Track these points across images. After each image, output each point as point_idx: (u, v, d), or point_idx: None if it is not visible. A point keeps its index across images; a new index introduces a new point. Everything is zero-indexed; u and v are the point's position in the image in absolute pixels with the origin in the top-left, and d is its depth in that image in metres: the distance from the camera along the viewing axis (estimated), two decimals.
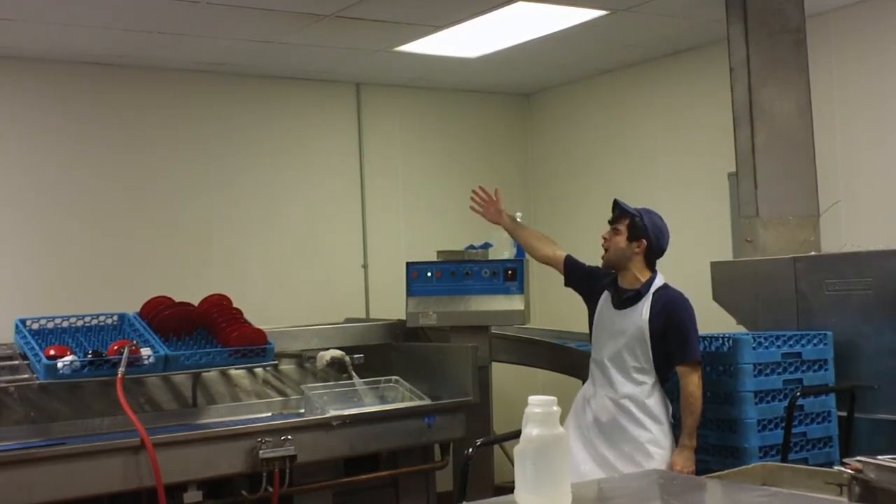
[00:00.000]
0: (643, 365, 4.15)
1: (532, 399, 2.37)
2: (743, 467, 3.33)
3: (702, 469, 4.20)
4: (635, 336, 4.16)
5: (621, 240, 4.25)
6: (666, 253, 6.61)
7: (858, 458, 2.31)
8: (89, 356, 4.53)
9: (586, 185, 7.32)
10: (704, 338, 4.51)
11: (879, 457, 2.30)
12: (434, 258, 5.78)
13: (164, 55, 6.10)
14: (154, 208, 6.37)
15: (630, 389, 4.16)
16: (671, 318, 4.13)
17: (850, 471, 2.30)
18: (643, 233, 4.22)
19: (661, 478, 3.08)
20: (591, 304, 4.41)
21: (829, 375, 4.55)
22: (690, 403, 4.07)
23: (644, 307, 4.16)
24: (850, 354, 4.57)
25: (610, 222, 4.33)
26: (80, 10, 5.14)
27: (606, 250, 4.31)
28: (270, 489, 4.46)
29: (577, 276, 4.57)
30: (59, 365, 4.42)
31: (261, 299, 6.24)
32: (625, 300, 4.24)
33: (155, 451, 4.18)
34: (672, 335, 4.12)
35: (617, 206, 4.34)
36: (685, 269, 6.24)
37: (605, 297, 4.33)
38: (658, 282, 4.23)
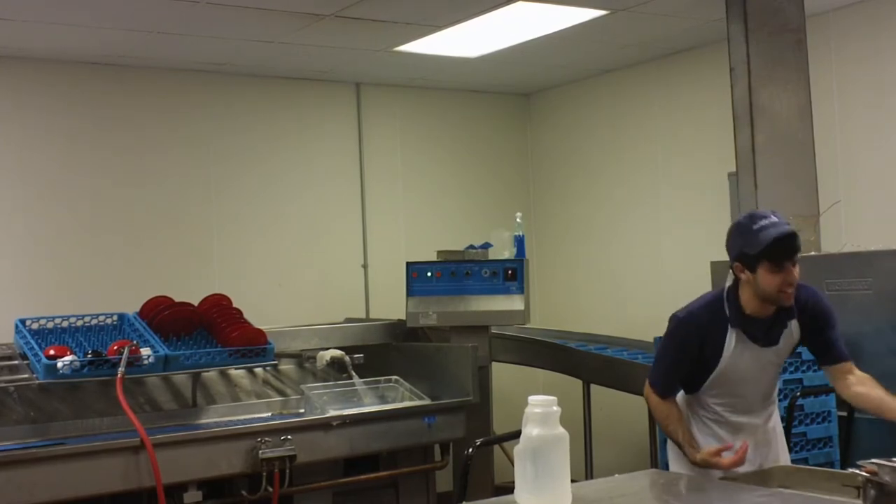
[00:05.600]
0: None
1: (532, 399, 2.38)
2: (759, 469, 3.31)
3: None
4: (782, 360, 3.52)
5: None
6: (666, 253, 6.67)
7: (873, 460, 2.30)
8: (89, 356, 4.53)
9: (586, 184, 7.32)
10: None
11: (893, 459, 2.30)
12: (434, 258, 5.78)
13: (164, 55, 6.10)
14: (154, 208, 6.37)
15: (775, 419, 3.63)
16: (818, 317, 3.46)
17: (864, 473, 2.29)
18: None
19: (661, 478, 3.08)
20: (706, 365, 3.43)
21: None
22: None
23: (795, 328, 3.42)
24: (851, 354, 4.54)
25: (789, 257, 3.26)
26: (80, 10, 5.14)
27: (790, 297, 3.33)
28: (270, 489, 4.46)
29: (702, 364, 3.46)
30: (59, 365, 4.43)
31: (261, 299, 6.23)
32: (769, 330, 3.40)
33: (155, 452, 4.18)
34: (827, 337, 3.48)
35: (796, 237, 3.31)
36: (685, 268, 6.27)
37: (737, 345, 3.37)
38: None
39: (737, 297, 3.36)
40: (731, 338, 3.36)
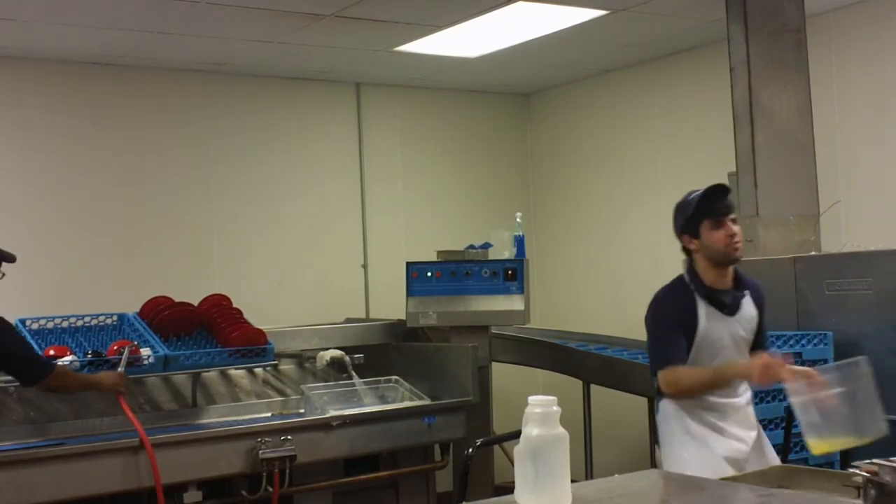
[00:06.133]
0: None
1: (532, 399, 2.37)
2: (759, 469, 3.32)
3: None
4: (752, 333, 3.64)
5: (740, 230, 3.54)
6: (666, 253, 6.65)
7: (873, 460, 2.30)
8: (89, 356, 4.54)
9: (586, 184, 7.32)
10: None
11: (893, 458, 2.29)
12: (434, 258, 5.78)
13: (164, 55, 6.10)
14: (154, 208, 6.37)
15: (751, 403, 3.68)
16: (762, 302, 3.67)
17: (864, 473, 2.29)
18: None
19: (661, 478, 3.08)
20: (690, 336, 3.55)
21: None
22: None
23: (749, 301, 3.61)
24: (851, 354, 4.50)
25: (725, 212, 3.49)
26: (80, 10, 5.14)
27: (738, 247, 3.51)
28: (270, 489, 4.46)
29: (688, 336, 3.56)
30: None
31: (261, 299, 6.23)
32: (735, 299, 3.58)
33: (154, 452, 4.18)
34: (764, 323, 3.69)
35: (727, 191, 3.57)
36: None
37: (707, 313, 3.54)
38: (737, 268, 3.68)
39: (696, 273, 3.56)
40: (702, 309, 3.52)
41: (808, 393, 3.23)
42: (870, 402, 3.24)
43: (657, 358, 3.57)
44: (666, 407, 3.61)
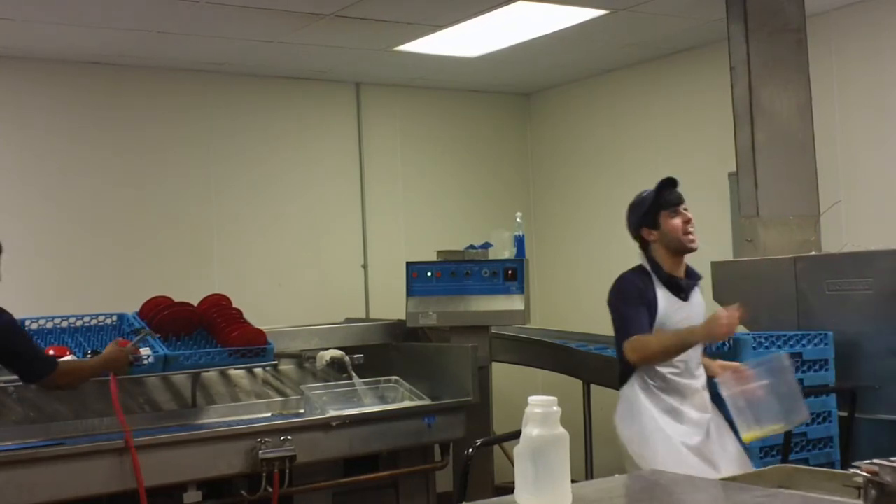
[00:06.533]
0: None
1: (532, 399, 2.37)
2: (760, 469, 3.32)
3: None
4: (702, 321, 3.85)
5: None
6: None
7: (874, 460, 2.29)
8: (88, 356, 4.53)
9: (586, 184, 7.32)
10: None
11: (893, 459, 2.29)
12: (434, 258, 5.78)
13: (164, 55, 6.10)
14: (154, 208, 6.37)
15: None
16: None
17: (865, 474, 2.28)
18: None
19: (661, 478, 3.07)
20: (650, 318, 3.83)
21: (830, 375, 4.55)
22: None
23: (698, 290, 3.95)
24: (851, 354, 4.56)
25: (679, 202, 3.86)
26: (80, 10, 5.14)
27: (694, 236, 3.84)
28: (270, 489, 4.45)
29: (650, 314, 3.84)
30: None
31: (261, 299, 6.23)
32: (689, 286, 3.90)
33: (154, 452, 4.18)
34: None
35: (677, 183, 3.91)
36: None
37: (665, 296, 3.83)
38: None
39: (655, 262, 3.87)
40: (661, 294, 3.82)
41: (736, 386, 3.58)
42: (792, 392, 3.62)
43: (624, 331, 3.82)
44: (627, 392, 3.88)
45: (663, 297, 3.82)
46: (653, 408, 3.79)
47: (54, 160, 6.09)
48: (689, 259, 3.99)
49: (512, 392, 6.13)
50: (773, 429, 3.62)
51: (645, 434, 3.76)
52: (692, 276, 3.95)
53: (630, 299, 3.85)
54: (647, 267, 3.88)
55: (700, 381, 3.85)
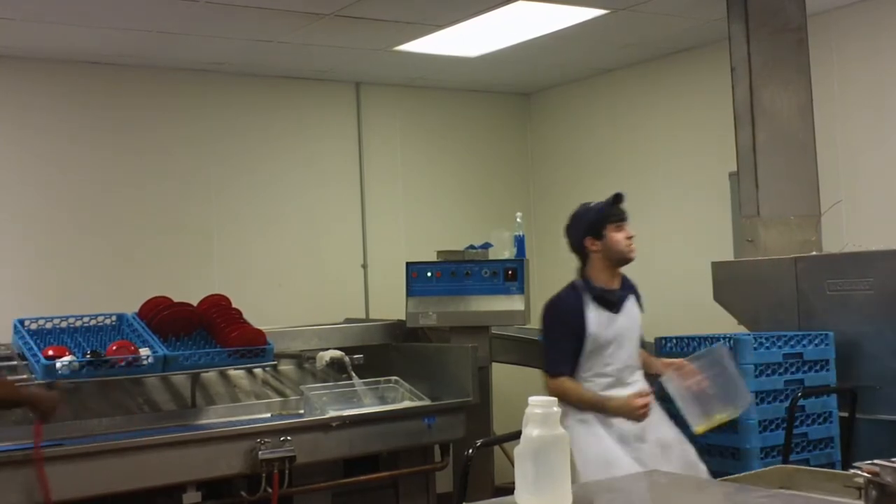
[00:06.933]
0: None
1: (532, 399, 2.37)
2: (760, 469, 3.32)
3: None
4: (638, 331, 4.06)
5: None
6: (667, 253, 6.66)
7: (874, 461, 2.29)
8: (88, 357, 4.53)
9: (586, 184, 7.30)
10: (705, 338, 4.51)
11: (894, 459, 2.28)
12: (434, 258, 5.78)
13: (164, 55, 6.10)
14: (153, 208, 6.37)
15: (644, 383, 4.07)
16: (640, 302, 4.15)
17: (865, 474, 2.28)
18: None
19: (661, 478, 3.07)
20: (582, 337, 3.95)
21: (831, 376, 4.54)
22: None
23: (633, 299, 4.08)
24: (852, 355, 4.56)
25: (624, 217, 4.01)
26: (80, 10, 5.13)
27: (634, 248, 4.00)
28: (270, 490, 4.45)
29: (578, 340, 3.95)
30: (58, 365, 4.42)
31: (261, 299, 6.23)
32: (619, 299, 4.01)
33: (154, 452, 4.18)
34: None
35: (623, 199, 4.06)
36: (685, 268, 6.26)
37: (596, 315, 3.93)
38: None
39: (587, 276, 4.03)
40: (590, 309, 3.94)
41: (680, 381, 3.81)
42: (734, 380, 3.82)
43: (548, 362, 4.00)
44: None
45: (594, 314, 3.93)
46: (585, 416, 3.87)
47: (54, 160, 6.09)
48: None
49: (512, 392, 6.12)
50: (720, 417, 3.79)
51: (576, 439, 3.68)
52: (626, 288, 4.07)
53: (554, 329, 4.01)
54: (579, 283, 4.03)
55: (634, 387, 3.94)
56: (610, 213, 4.00)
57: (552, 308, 4.04)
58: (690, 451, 3.95)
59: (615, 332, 3.94)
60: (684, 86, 6.58)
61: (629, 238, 3.98)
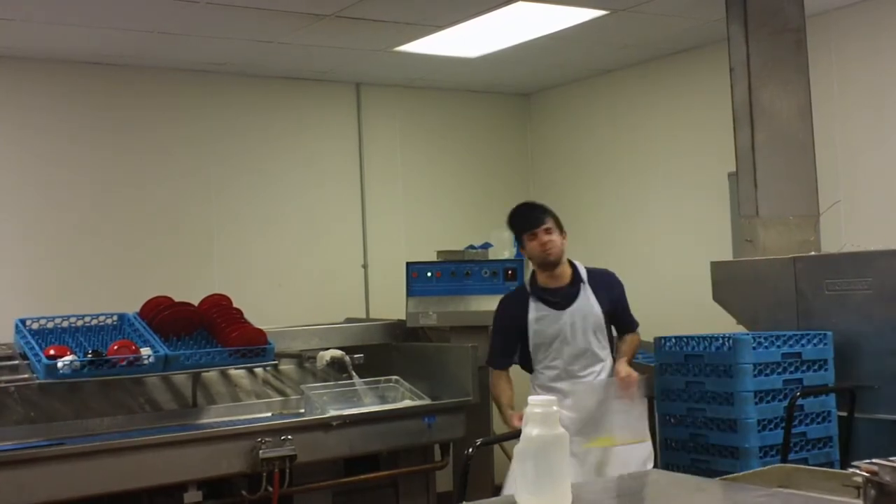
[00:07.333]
0: (604, 346, 4.31)
1: (532, 399, 2.38)
2: (759, 468, 3.32)
3: (702, 469, 4.21)
4: (596, 324, 4.24)
5: (557, 237, 4.21)
6: (666, 253, 6.66)
7: (873, 460, 2.30)
8: (89, 356, 4.53)
9: (586, 184, 7.32)
10: (704, 338, 4.52)
11: (893, 458, 2.29)
12: (434, 258, 5.78)
13: (164, 55, 6.10)
14: (154, 208, 6.37)
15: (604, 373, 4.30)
16: (613, 293, 4.33)
17: (864, 473, 2.28)
18: (560, 224, 4.31)
19: (661, 478, 3.08)
20: (523, 338, 4.30)
21: (829, 375, 4.55)
22: (638, 345, 4.42)
23: (588, 293, 4.24)
24: (850, 354, 4.57)
25: (534, 226, 4.20)
26: (79, 10, 5.14)
27: (551, 253, 4.19)
28: (270, 489, 4.46)
29: (515, 344, 4.36)
30: (59, 365, 4.42)
31: (261, 299, 6.23)
32: (565, 297, 4.22)
33: (154, 452, 4.18)
34: (619, 310, 4.36)
35: (536, 208, 4.33)
36: (685, 269, 6.27)
37: (537, 313, 4.23)
38: (580, 266, 4.33)
39: (534, 275, 4.30)
40: (532, 307, 4.22)
41: (618, 392, 4.05)
42: (644, 414, 4.12)
43: (489, 356, 4.44)
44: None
45: (535, 313, 4.21)
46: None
47: (53, 160, 6.09)
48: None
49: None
50: (602, 441, 4.02)
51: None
52: (577, 283, 4.25)
53: (496, 325, 4.40)
54: (526, 282, 4.35)
55: (588, 380, 4.20)
56: (520, 226, 4.26)
57: (498, 306, 4.43)
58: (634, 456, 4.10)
59: (559, 328, 4.19)
60: (684, 86, 6.59)
61: (543, 243, 4.18)
